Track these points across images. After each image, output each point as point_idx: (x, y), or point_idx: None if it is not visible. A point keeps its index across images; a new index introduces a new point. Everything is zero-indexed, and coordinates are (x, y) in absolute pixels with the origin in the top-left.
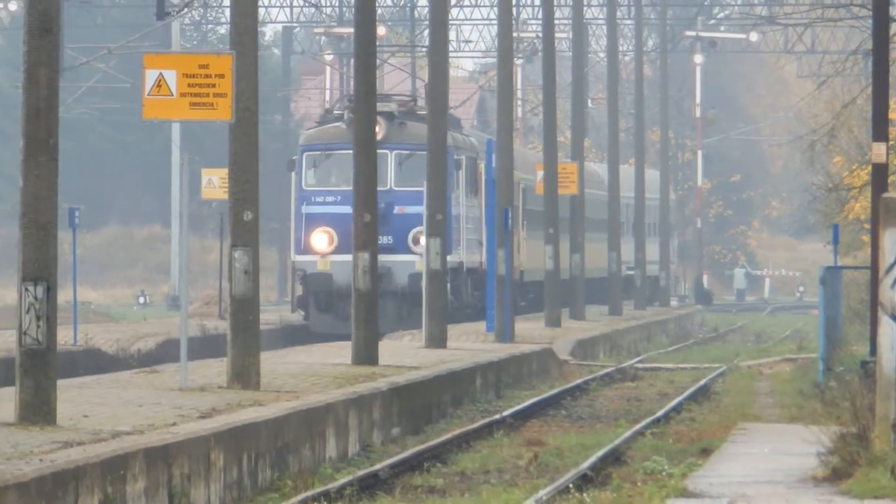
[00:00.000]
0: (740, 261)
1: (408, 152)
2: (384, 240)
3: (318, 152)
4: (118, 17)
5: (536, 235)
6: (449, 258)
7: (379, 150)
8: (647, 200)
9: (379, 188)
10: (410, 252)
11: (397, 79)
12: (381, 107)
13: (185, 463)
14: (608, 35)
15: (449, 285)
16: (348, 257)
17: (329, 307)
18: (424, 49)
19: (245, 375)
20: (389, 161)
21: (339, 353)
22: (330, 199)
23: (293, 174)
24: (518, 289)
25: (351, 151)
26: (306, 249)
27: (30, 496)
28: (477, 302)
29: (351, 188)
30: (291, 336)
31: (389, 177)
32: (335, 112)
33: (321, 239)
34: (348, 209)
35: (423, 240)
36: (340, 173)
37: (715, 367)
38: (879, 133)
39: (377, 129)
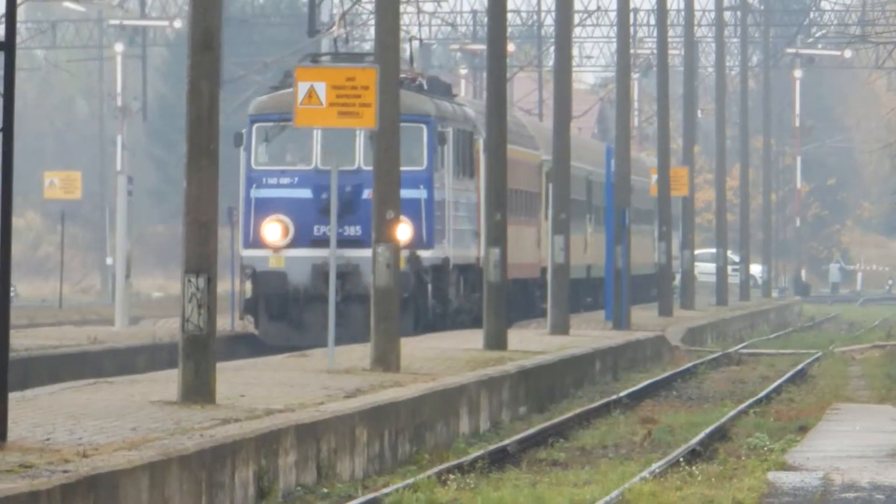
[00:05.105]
0: (835, 257)
1: None
2: (350, 231)
3: (272, 123)
4: (273, 34)
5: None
6: (429, 253)
7: None
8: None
9: (344, 168)
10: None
11: (526, 90)
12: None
13: (332, 438)
14: (716, 52)
15: (430, 287)
16: (306, 252)
17: (283, 314)
18: (550, 65)
19: (386, 359)
20: (357, 135)
21: (471, 339)
22: (285, 180)
23: (241, 151)
24: (585, 284)
25: None
26: (256, 242)
27: (191, 468)
28: (474, 305)
29: (310, 167)
30: (235, 348)
31: (357, 154)
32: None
33: (274, 229)
34: (307, 193)
35: (401, 231)
36: (298, 150)
37: (811, 352)
38: None
39: None
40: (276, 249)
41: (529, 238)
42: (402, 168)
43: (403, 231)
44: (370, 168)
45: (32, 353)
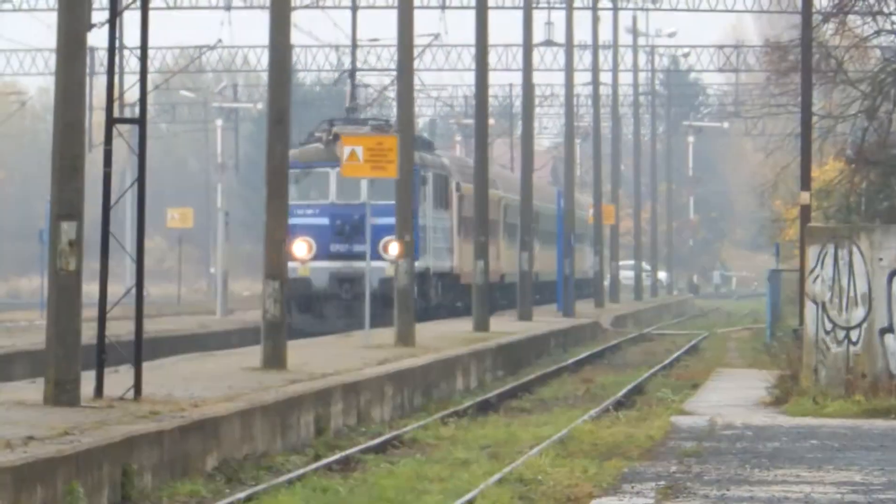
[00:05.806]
0: (717, 266)
1: None
2: (358, 248)
3: (299, 170)
4: (326, 111)
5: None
6: (415, 264)
7: None
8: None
9: (354, 201)
10: (381, 259)
11: (502, 151)
12: (356, 129)
13: (367, 393)
14: (634, 124)
15: (416, 288)
16: (324, 264)
17: (308, 308)
18: (518, 133)
19: (405, 338)
20: (364, 178)
21: (463, 324)
22: (309, 211)
23: None
24: (534, 286)
25: (328, 169)
26: (288, 256)
27: (270, 414)
28: (449, 303)
29: (328, 202)
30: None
31: (362, 192)
32: (316, 134)
33: (301, 247)
34: (325, 220)
35: (392, 248)
36: (319, 188)
37: (701, 333)
38: (805, 185)
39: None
40: (303, 262)
41: (491, 253)
42: (396, 202)
43: (395, 248)
44: (372, 202)
45: (159, 335)
